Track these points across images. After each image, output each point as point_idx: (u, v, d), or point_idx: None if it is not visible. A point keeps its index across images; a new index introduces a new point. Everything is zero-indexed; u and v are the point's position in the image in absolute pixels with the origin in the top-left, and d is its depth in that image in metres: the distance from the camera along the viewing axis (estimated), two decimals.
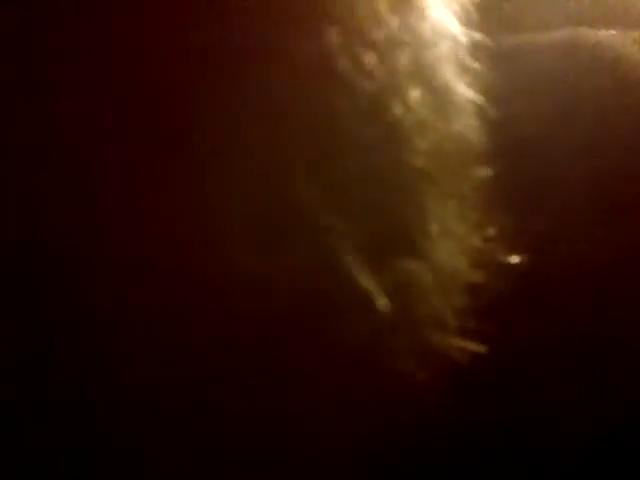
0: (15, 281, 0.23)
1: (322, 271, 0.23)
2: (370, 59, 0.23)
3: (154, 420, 0.24)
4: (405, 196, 0.24)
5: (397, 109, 0.24)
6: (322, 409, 0.25)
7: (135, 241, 0.23)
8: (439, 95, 0.26)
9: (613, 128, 0.39)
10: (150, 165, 0.23)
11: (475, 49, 0.28)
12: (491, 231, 0.27)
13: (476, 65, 0.27)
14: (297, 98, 0.22)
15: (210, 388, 0.24)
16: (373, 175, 0.23)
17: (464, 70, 0.27)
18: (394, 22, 0.24)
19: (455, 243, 0.26)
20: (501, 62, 0.31)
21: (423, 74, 0.25)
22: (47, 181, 0.22)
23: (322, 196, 0.22)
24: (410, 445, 0.28)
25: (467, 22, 0.28)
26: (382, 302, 0.23)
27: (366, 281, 0.23)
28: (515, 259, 0.28)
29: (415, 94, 0.24)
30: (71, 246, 0.23)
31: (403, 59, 0.24)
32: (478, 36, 0.28)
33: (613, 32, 0.43)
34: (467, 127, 0.26)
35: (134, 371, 0.23)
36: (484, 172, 0.27)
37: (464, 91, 0.26)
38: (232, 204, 0.23)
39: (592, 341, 0.36)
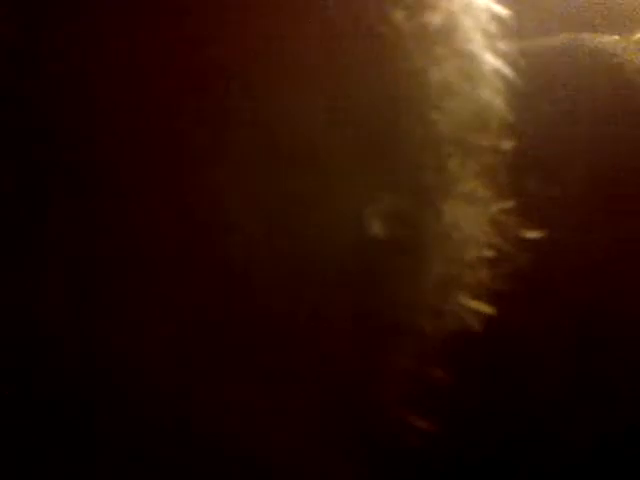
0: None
1: (352, 226, 0.24)
2: (400, 16, 0.23)
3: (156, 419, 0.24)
4: (431, 155, 0.25)
5: (428, 69, 0.24)
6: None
7: (141, 241, 0.23)
8: (467, 61, 0.26)
9: (613, 129, 0.40)
10: (161, 163, 0.23)
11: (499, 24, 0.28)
12: (508, 203, 0.28)
13: (501, 40, 0.28)
14: (336, 56, 0.23)
15: (218, 386, 0.24)
16: (405, 131, 0.24)
17: (491, 42, 0.27)
18: None
19: (474, 208, 0.26)
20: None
21: (453, 38, 0.25)
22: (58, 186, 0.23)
23: (359, 149, 0.23)
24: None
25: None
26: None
27: (397, 230, 0.23)
28: (530, 233, 0.29)
29: (444, 55, 0.25)
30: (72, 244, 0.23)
31: (435, 20, 0.25)
32: (503, 11, 0.28)
33: (615, 37, 0.44)
34: (492, 95, 0.27)
35: (136, 370, 0.23)
36: (506, 144, 0.28)
37: (491, 61, 0.27)
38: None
39: (590, 329, 0.36)
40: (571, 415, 0.36)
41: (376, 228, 0.24)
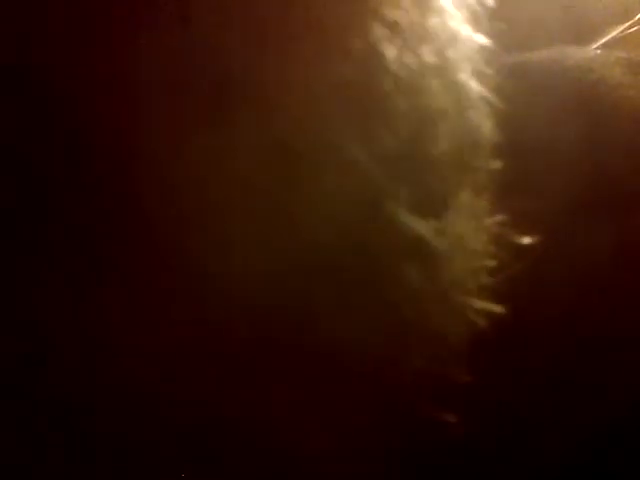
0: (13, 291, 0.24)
1: (380, 227, 0.25)
2: (404, 49, 0.26)
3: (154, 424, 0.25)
4: (433, 171, 0.27)
5: (426, 96, 0.27)
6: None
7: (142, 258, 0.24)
8: (457, 89, 0.28)
9: (595, 143, 0.42)
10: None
11: (485, 54, 0.30)
12: (501, 216, 0.30)
13: (487, 68, 0.30)
14: (350, 79, 0.25)
15: (214, 393, 0.25)
16: (410, 148, 0.26)
17: (477, 71, 0.30)
18: (421, 20, 0.27)
19: (471, 221, 0.29)
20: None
21: (445, 69, 0.28)
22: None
23: (375, 161, 0.25)
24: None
25: (477, 29, 0.31)
26: (439, 242, 0.26)
27: (422, 228, 0.25)
28: (525, 240, 0.31)
29: (439, 85, 0.27)
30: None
31: (429, 53, 0.27)
32: (487, 42, 0.31)
33: (597, 51, 0.46)
34: (481, 120, 0.29)
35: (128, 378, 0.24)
36: (494, 164, 0.30)
37: (478, 89, 0.29)
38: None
39: (592, 332, 0.38)
40: (566, 416, 0.37)
41: (385, 238, 0.26)
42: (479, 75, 0.30)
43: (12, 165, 0.23)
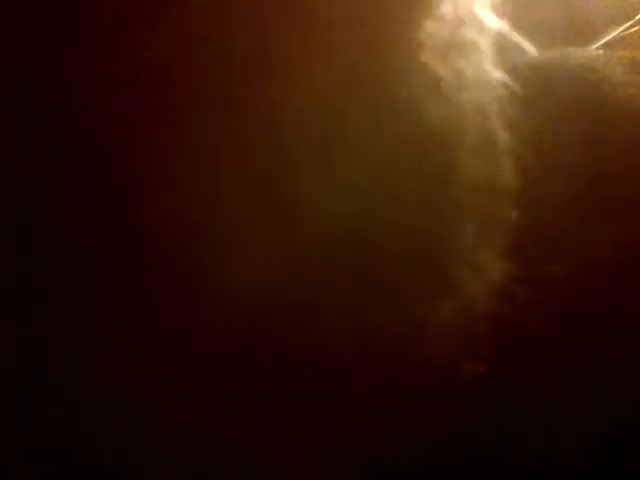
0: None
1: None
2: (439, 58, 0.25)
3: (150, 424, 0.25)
4: (446, 219, 0.27)
5: (452, 136, 0.27)
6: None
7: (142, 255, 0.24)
8: (483, 139, 0.28)
9: (597, 142, 0.42)
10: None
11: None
12: (508, 265, 0.30)
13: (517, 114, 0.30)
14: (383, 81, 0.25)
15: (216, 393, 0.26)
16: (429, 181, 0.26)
17: (504, 117, 0.29)
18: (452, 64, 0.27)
19: (477, 271, 0.29)
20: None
21: (474, 116, 0.28)
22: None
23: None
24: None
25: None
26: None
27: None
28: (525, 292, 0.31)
29: (466, 133, 0.27)
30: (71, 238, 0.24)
31: (459, 97, 0.27)
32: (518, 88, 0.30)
33: (600, 51, 0.46)
34: (500, 170, 0.29)
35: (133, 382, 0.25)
36: (510, 213, 0.30)
37: (503, 139, 0.29)
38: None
39: (592, 332, 0.38)
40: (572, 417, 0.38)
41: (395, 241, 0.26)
42: (507, 120, 0.30)
43: (13, 166, 0.23)
